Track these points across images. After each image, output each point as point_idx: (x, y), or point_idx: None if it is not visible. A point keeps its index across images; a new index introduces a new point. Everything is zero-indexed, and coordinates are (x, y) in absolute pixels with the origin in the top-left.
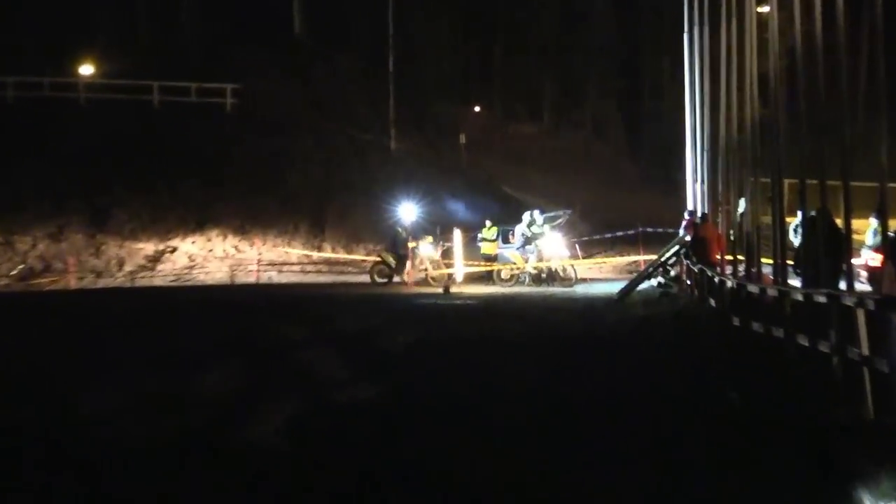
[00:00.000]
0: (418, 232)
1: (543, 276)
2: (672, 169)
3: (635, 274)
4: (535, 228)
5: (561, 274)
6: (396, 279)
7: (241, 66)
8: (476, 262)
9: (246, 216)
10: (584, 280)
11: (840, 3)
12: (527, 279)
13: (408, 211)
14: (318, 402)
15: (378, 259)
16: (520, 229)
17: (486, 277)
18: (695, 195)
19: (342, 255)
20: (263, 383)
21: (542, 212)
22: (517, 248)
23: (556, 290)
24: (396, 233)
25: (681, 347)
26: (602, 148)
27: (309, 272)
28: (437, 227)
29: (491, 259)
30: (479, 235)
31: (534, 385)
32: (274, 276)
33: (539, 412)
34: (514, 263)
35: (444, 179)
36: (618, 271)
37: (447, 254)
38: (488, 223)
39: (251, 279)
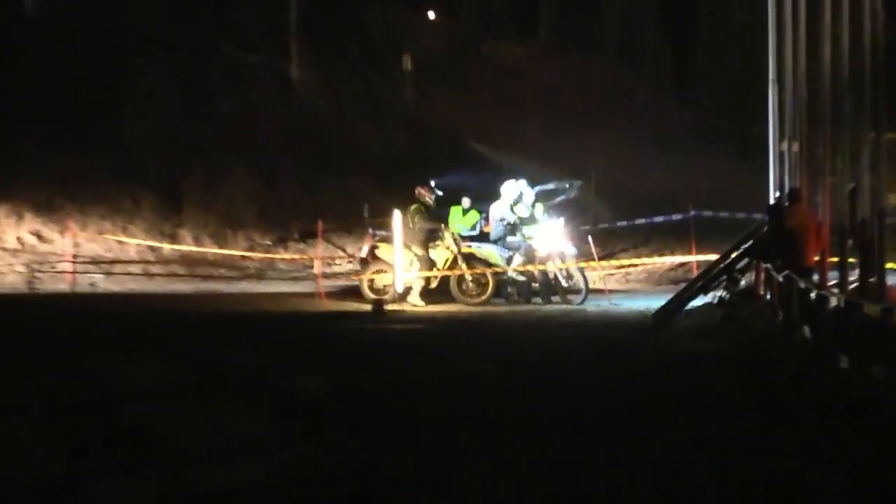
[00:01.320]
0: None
1: (535, 286)
2: (745, 119)
3: (683, 284)
4: (521, 209)
5: (563, 283)
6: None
7: None
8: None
9: (55, 185)
10: (600, 292)
11: None
12: (510, 292)
13: None
14: None
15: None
16: (498, 211)
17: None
18: (781, 161)
19: (210, 250)
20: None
21: (534, 184)
22: (493, 242)
23: (554, 308)
24: None
25: (754, 423)
26: (632, 83)
27: (156, 276)
28: (365, 208)
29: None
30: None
31: None
32: (99, 281)
33: None
34: (489, 265)
35: (377, 129)
36: (654, 280)
37: (378, 253)
38: (465, 202)
39: (62, 286)
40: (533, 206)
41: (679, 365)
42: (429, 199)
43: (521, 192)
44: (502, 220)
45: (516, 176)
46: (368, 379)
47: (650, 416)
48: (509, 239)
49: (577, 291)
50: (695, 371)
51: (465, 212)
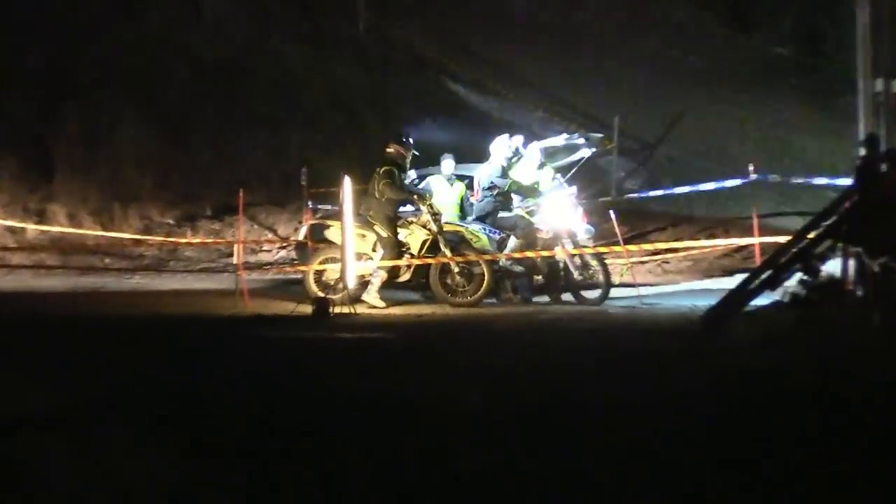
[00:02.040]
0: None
1: (538, 279)
2: (821, 49)
3: (742, 275)
4: (521, 173)
5: (576, 275)
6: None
7: None
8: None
9: None
10: (627, 287)
11: None
12: (504, 287)
13: None
14: None
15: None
16: (486, 177)
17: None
18: (874, 105)
19: (91, 231)
20: None
21: (533, 139)
22: (478, 220)
23: (565, 309)
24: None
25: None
26: (669, 2)
27: (17, 268)
28: (303, 173)
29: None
30: (425, 192)
31: None
32: None
33: None
34: (484, 252)
35: (319, 63)
36: (702, 270)
37: (320, 232)
38: (447, 165)
39: None
40: (540, 166)
41: (740, 394)
42: (405, 157)
43: (517, 150)
44: (491, 188)
45: (511, 129)
46: (283, 421)
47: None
48: (501, 215)
49: (596, 286)
50: (762, 404)
51: (447, 179)
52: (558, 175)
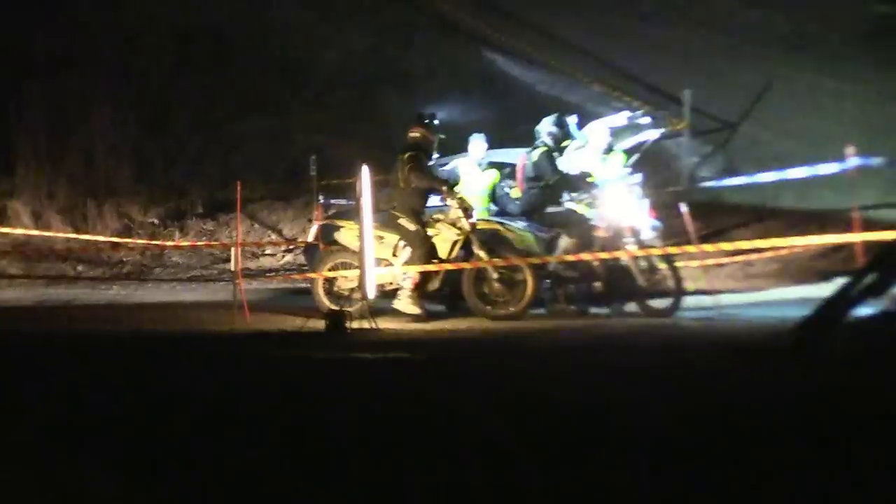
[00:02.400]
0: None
1: (596, 286)
2: None
3: (842, 280)
4: (573, 160)
5: (642, 281)
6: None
7: None
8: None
9: None
10: (704, 294)
11: None
12: (554, 295)
13: None
14: None
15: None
16: (532, 164)
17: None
18: None
19: (60, 234)
20: None
21: (582, 119)
22: (523, 215)
23: (629, 322)
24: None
25: None
26: None
27: None
28: (312, 161)
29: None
30: (452, 176)
31: None
32: None
33: None
34: (527, 254)
35: (331, 29)
36: (791, 274)
37: (330, 233)
38: (477, 144)
39: None
40: (606, 153)
41: (842, 424)
42: (431, 142)
43: (567, 131)
44: (537, 178)
45: (561, 107)
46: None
47: None
48: (550, 210)
49: (665, 294)
50: (868, 433)
51: (480, 165)
52: (632, 160)
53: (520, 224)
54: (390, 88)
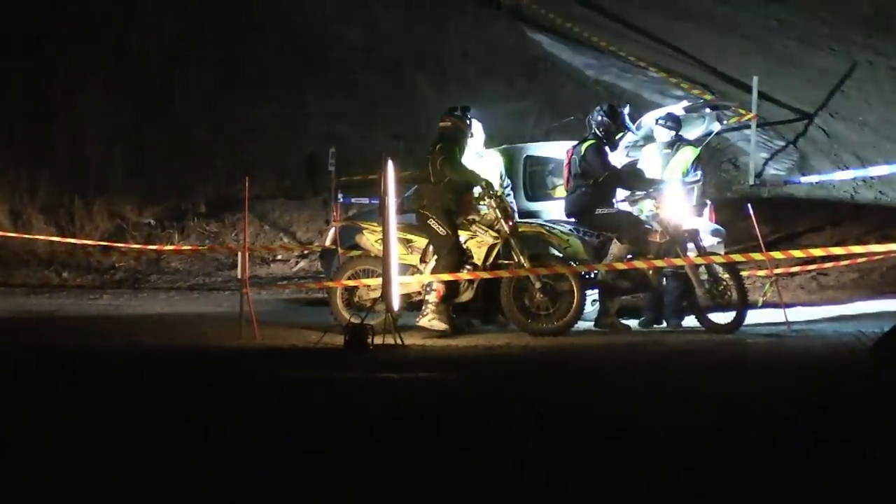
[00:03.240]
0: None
1: (643, 296)
2: None
3: None
4: (632, 151)
5: (701, 292)
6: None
7: None
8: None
9: None
10: (773, 307)
11: None
12: (601, 309)
13: None
14: None
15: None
16: (581, 155)
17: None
18: None
19: (42, 237)
20: None
21: (639, 110)
22: (570, 216)
23: (688, 339)
24: None
25: None
26: None
27: None
28: (330, 154)
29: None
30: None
31: None
32: None
33: None
34: (571, 262)
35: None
36: (872, 285)
37: (351, 236)
38: (476, 133)
39: None
40: (674, 148)
41: None
42: (465, 134)
43: (625, 123)
44: (584, 175)
45: (614, 96)
46: None
47: None
48: (600, 212)
49: (728, 307)
50: None
51: (477, 154)
52: (700, 156)
53: (565, 228)
54: (420, 72)
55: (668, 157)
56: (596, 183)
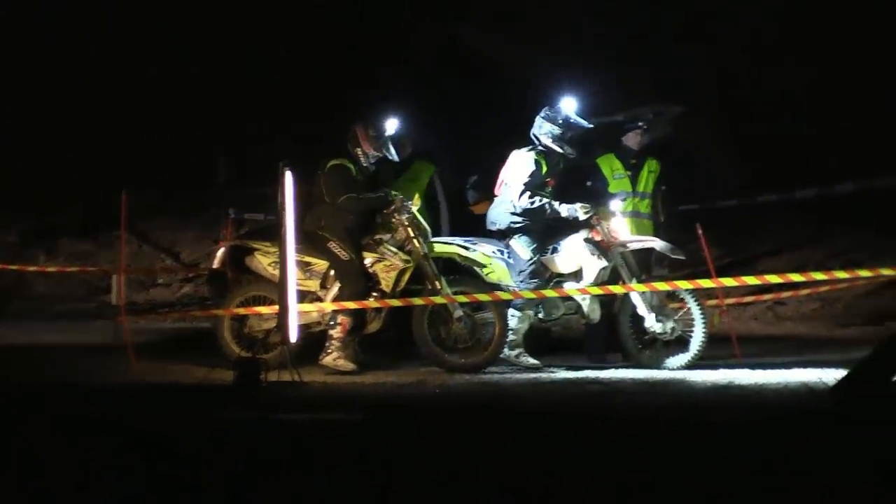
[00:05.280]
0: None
1: (591, 331)
2: None
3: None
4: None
5: (648, 323)
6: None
7: None
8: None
9: None
10: (723, 341)
11: None
12: (518, 348)
13: None
14: None
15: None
16: (515, 173)
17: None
18: None
19: None
20: None
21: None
22: (517, 232)
23: (624, 375)
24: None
25: None
26: None
27: None
28: (222, 159)
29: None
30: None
31: None
32: None
33: None
34: (481, 287)
35: None
36: (835, 316)
37: (242, 258)
38: (386, 137)
39: None
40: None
41: None
42: (366, 151)
43: (574, 123)
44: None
45: (557, 97)
46: None
47: None
48: (520, 240)
49: (678, 341)
50: None
51: (417, 173)
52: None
53: (487, 249)
54: (332, 69)
55: (620, 172)
56: (531, 205)
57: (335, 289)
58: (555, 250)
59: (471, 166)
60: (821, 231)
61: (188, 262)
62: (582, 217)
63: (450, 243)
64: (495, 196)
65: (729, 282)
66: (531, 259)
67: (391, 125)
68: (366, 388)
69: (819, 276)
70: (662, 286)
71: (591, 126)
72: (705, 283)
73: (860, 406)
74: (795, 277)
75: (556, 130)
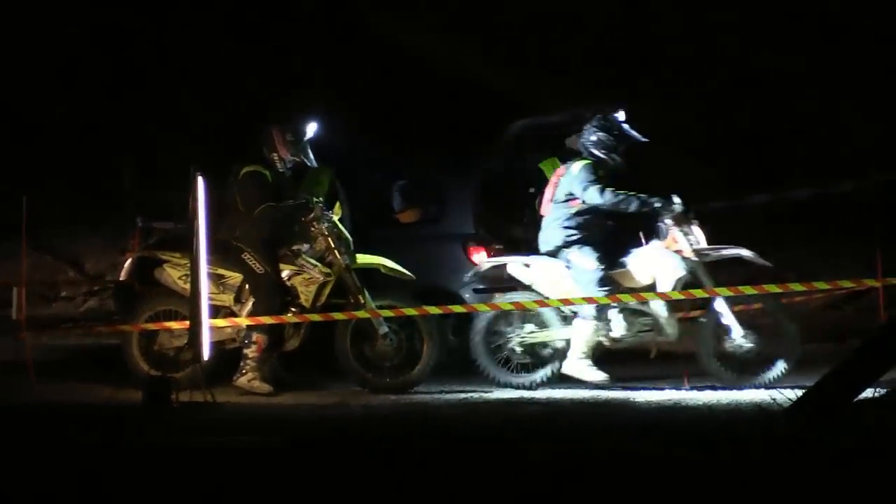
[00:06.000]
0: None
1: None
2: None
3: (858, 345)
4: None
5: (740, 343)
6: None
7: None
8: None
9: None
10: (669, 357)
11: None
12: (587, 359)
13: None
14: None
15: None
16: (580, 180)
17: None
18: None
19: None
20: None
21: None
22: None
23: (564, 395)
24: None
25: None
26: None
27: None
28: (128, 161)
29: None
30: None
31: None
32: None
33: None
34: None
35: None
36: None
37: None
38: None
39: None
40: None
41: None
42: (283, 157)
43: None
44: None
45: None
46: None
47: None
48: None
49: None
50: None
51: (317, 178)
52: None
53: (551, 263)
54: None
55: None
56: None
57: (250, 303)
58: (622, 264)
59: (391, 173)
60: (776, 239)
61: (93, 273)
62: (679, 208)
63: (376, 256)
64: (541, 216)
65: (676, 295)
66: (597, 267)
67: (310, 128)
68: (283, 410)
69: (773, 288)
70: (603, 300)
71: (646, 140)
72: (650, 297)
73: (816, 430)
74: (748, 290)
75: (609, 140)
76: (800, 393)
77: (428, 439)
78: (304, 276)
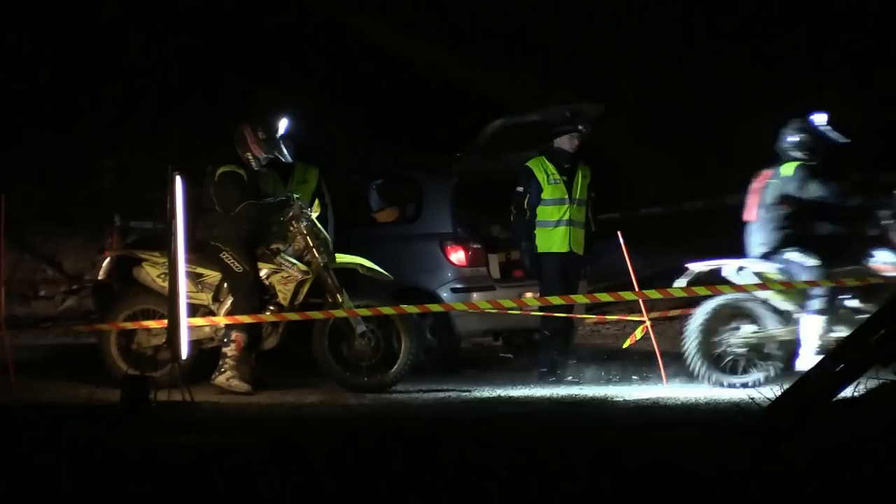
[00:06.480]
0: None
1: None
2: None
3: (839, 344)
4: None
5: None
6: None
7: None
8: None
9: None
10: (646, 356)
11: None
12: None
13: None
14: None
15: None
16: (801, 185)
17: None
18: None
19: None
20: None
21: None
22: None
23: (541, 395)
24: None
25: None
26: None
27: None
28: (107, 163)
29: None
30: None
31: None
32: None
33: None
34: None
35: None
36: None
37: (129, 268)
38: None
39: None
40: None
41: None
42: (256, 155)
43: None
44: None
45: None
46: None
47: None
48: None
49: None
50: None
51: (303, 177)
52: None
53: (769, 266)
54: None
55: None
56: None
57: (228, 302)
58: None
59: (372, 169)
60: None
61: (72, 272)
62: None
63: (355, 256)
64: (748, 222)
65: (653, 294)
66: (816, 264)
67: (282, 125)
68: (261, 409)
69: (753, 289)
70: (581, 299)
71: (847, 141)
72: (627, 296)
73: (790, 428)
74: (726, 290)
75: (810, 141)
76: (779, 392)
77: (405, 438)
78: (283, 275)
